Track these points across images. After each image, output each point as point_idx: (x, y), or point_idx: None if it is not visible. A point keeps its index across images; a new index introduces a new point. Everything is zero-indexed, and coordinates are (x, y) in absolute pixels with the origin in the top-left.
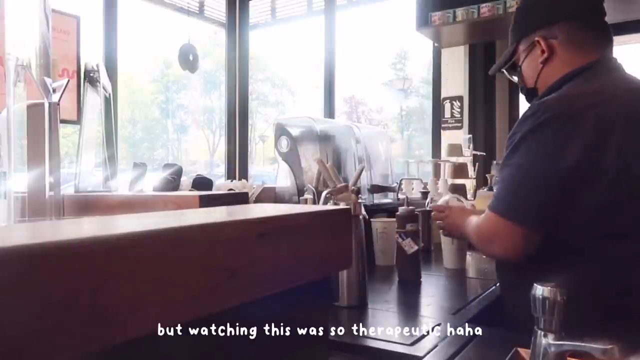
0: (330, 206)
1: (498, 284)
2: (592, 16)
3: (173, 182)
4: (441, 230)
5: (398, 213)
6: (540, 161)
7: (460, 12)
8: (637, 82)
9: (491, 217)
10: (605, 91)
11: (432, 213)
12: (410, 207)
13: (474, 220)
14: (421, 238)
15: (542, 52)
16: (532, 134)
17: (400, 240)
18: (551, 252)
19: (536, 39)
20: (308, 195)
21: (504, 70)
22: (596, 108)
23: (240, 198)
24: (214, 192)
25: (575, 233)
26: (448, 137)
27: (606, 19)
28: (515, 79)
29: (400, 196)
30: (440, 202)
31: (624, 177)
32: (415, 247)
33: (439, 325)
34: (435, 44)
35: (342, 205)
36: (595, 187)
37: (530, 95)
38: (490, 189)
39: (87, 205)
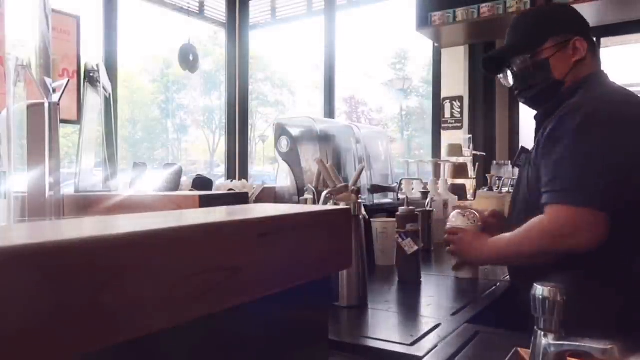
0: (330, 206)
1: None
2: (582, 23)
3: (173, 182)
4: (453, 256)
5: (398, 213)
6: (615, 148)
7: (460, 12)
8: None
9: (564, 210)
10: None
11: (445, 236)
12: (411, 207)
13: (515, 232)
14: (421, 238)
15: (573, 52)
16: (594, 125)
17: (400, 240)
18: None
19: (576, 39)
20: (308, 195)
21: (515, 61)
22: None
23: (240, 198)
24: (214, 192)
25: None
26: (448, 137)
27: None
28: (511, 71)
29: (400, 196)
30: (450, 224)
31: None
32: (415, 247)
33: (439, 325)
34: (435, 44)
35: (342, 205)
36: None
37: (550, 89)
38: (490, 189)
39: (87, 205)
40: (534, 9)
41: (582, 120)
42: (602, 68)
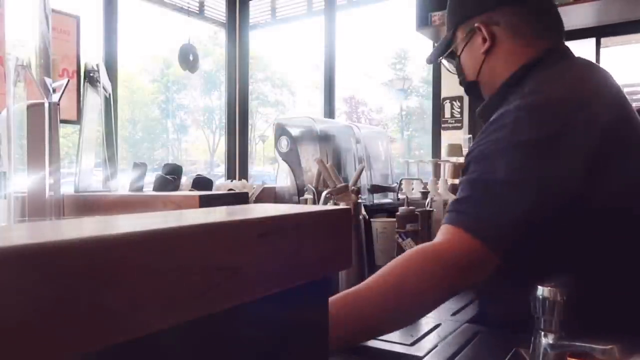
0: (330, 206)
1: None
2: (532, 2)
3: (173, 182)
4: None
5: (398, 213)
6: (532, 178)
7: None
8: (596, 70)
9: (460, 235)
10: (595, 87)
11: None
12: (411, 207)
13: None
14: (421, 238)
15: (484, 40)
16: (518, 145)
17: (400, 240)
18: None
19: (476, 25)
20: (308, 195)
21: (443, 62)
22: (604, 115)
23: (240, 198)
24: (214, 192)
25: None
26: (448, 137)
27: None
28: (453, 70)
29: (400, 196)
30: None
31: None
32: (414, 247)
33: (439, 325)
34: (435, 44)
35: (342, 205)
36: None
37: (472, 89)
38: None
39: (87, 205)
40: None
41: (496, 140)
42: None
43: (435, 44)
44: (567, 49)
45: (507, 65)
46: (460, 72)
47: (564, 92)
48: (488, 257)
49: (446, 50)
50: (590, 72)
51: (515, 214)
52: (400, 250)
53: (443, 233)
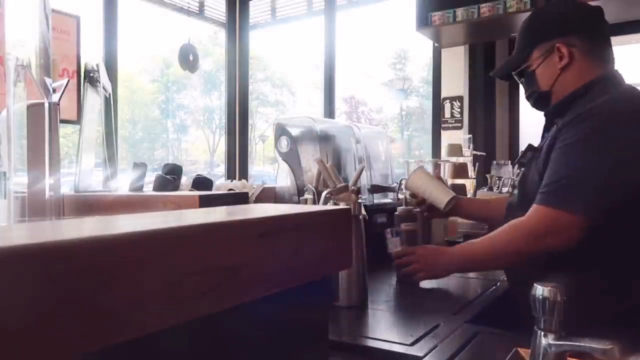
0: (330, 206)
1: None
2: (602, 31)
3: (173, 182)
4: (419, 277)
5: (396, 212)
6: (608, 162)
7: (460, 12)
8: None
9: (543, 211)
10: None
11: (394, 262)
12: (409, 207)
13: (489, 235)
14: (421, 238)
15: (560, 58)
16: (596, 133)
17: (389, 236)
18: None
19: (557, 45)
20: (308, 195)
21: (514, 74)
22: None
23: (240, 198)
24: (214, 192)
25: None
26: (448, 137)
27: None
28: (522, 81)
29: (400, 196)
30: (410, 180)
31: None
32: (398, 248)
33: (439, 325)
34: (435, 44)
35: (342, 205)
36: None
37: (542, 99)
38: (490, 189)
39: (87, 205)
40: (530, 15)
41: (592, 129)
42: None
43: (507, 60)
44: (619, 73)
45: (579, 79)
46: (532, 84)
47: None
48: (560, 219)
49: (519, 66)
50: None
51: (587, 183)
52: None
53: (531, 214)
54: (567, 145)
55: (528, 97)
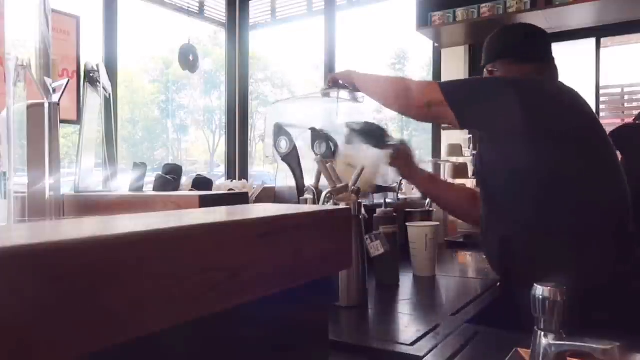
0: (330, 206)
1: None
2: (523, 52)
3: (173, 182)
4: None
5: (375, 214)
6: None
7: (460, 12)
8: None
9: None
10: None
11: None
12: (389, 209)
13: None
14: (397, 240)
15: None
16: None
17: (369, 241)
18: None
19: (485, 70)
20: (308, 195)
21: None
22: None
23: (240, 198)
24: (214, 192)
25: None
26: (448, 137)
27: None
28: None
29: (400, 196)
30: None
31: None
32: (381, 251)
33: (439, 325)
34: (435, 44)
35: (342, 205)
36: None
37: None
38: None
39: (87, 205)
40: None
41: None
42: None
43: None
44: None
45: None
46: None
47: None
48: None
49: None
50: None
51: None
52: (368, 251)
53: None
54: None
55: None
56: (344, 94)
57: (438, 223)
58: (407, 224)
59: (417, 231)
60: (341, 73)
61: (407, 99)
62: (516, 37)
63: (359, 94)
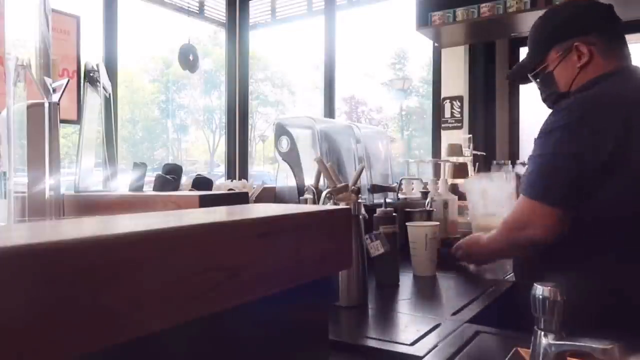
0: (330, 206)
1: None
2: (617, 28)
3: (173, 182)
4: (471, 266)
5: (375, 214)
6: (574, 150)
7: (460, 12)
8: None
9: (524, 202)
10: (632, 94)
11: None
12: (389, 209)
13: (485, 235)
14: (397, 240)
15: (579, 57)
16: (566, 127)
17: (368, 241)
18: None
19: (575, 44)
20: (308, 195)
21: (530, 77)
22: (625, 107)
23: (240, 198)
24: (214, 192)
25: (597, 222)
26: (448, 137)
27: None
28: (538, 82)
29: (400, 196)
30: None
31: None
32: (381, 251)
33: (439, 325)
34: (435, 44)
35: (342, 205)
36: (620, 178)
37: (561, 100)
38: None
39: (87, 205)
40: (541, 16)
41: (563, 123)
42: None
43: (518, 63)
44: (637, 68)
45: (590, 76)
46: (550, 85)
47: (599, 91)
48: (543, 211)
49: (536, 67)
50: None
51: (558, 174)
52: (368, 251)
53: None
54: (539, 136)
55: (545, 99)
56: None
57: (438, 223)
58: (407, 223)
59: (417, 231)
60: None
61: (520, 250)
62: (571, 7)
63: None
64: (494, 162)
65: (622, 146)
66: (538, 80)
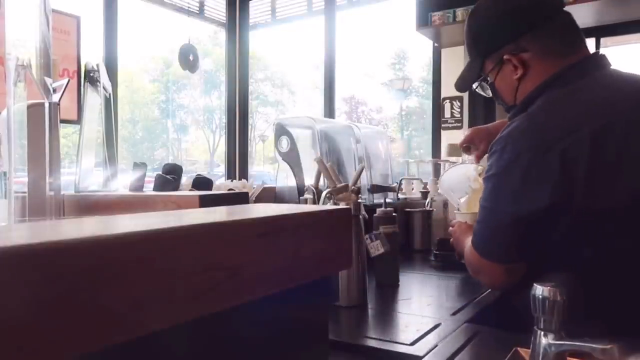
0: (330, 206)
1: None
2: (556, 19)
3: (173, 182)
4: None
5: (375, 214)
6: (509, 204)
7: (460, 12)
8: (619, 80)
9: (474, 253)
10: (574, 114)
11: (449, 229)
12: (389, 209)
13: (467, 244)
14: (398, 240)
15: (515, 67)
16: (499, 175)
17: (368, 241)
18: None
19: (505, 57)
20: (308, 195)
21: (474, 89)
22: (563, 142)
23: (240, 198)
24: (214, 192)
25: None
26: (448, 137)
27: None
28: (488, 93)
29: (400, 196)
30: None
31: (589, 214)
32: (381, 250)
33: (439, 325)
34: (435, 44)
35: (342, 205)
36: (561, 225)
37: (514, 113)
38: None
39: (87, 205)
40: (468, 19)
41: (496, 171)
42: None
43: (462, 71)
44: (589, 60)
45: (535, 84)
46: (497, 96)
47: (536, 119)
48: (490, 267)
49: (477, 78)
50: (597, 93)
51: (497, 232)
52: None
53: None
54: (484, 179)
55: (505, 110)
56: None
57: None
58: (455, 211)
59: (463, 218)
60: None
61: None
62: (498, 8)
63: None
64: None
65: (559, 197)
66: (484, 91)
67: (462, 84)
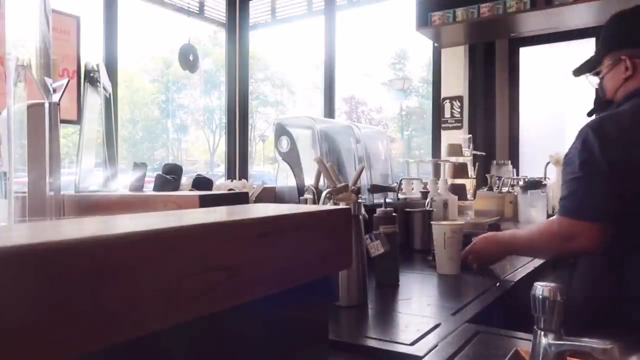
0: (330, 206)
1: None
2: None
3: (173, 182)
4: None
5: (375, 214)
6: (604, 153)
7: (460, 12)
8: None
9: (563, 223)
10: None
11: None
12: (389, 209)
13: (521, 232)
14: (397, 240)
15: (626, 69)
16: (580, 154)
17: (368, 241)
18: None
19: (622, 57)
20: (308, 195)
21: (587, 77)
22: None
23: (240, 198)
24: (214, 192)
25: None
26: (448, 137)
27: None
28: (595, 84)
29: (400, 196)
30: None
31: None
32: (381, 250)
33: (439, 325)
34: (435, 44)
35: (342, 205)
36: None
37: (604, 107)
38: (490, 189)
39: (87, 205)
40: (609, 20)
41: (581, 142)
42: None
43: (585, 60)
44: None
45: (631, 89)
46: (600, 89)
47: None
48: (587, 227)
49: (592, 70)
50: None
51: (593, 190)
52: (368, 251)
53: (555, 222)
54: (568, 157)
55: (593, 101)
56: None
57: (460, 222)
58: (431, 222)
59: (437, 229)
60: (488, 260)
61: (553, 251)
62: (631, 18)
63: None
64: (494, 162)
65: (629, 153)
66: (592, 82)
67: (581, 68)
